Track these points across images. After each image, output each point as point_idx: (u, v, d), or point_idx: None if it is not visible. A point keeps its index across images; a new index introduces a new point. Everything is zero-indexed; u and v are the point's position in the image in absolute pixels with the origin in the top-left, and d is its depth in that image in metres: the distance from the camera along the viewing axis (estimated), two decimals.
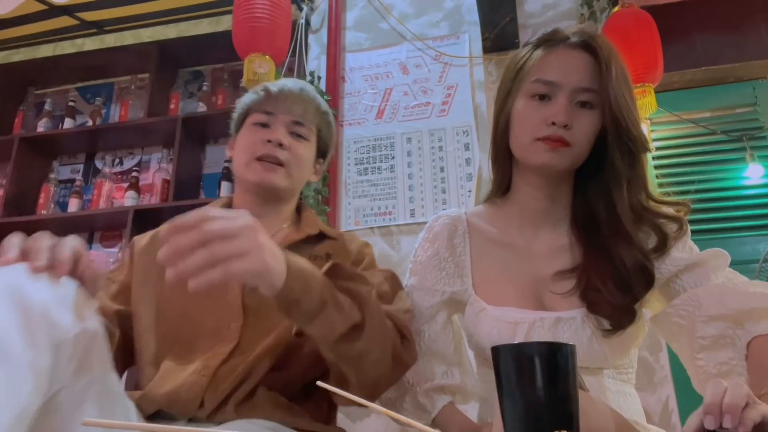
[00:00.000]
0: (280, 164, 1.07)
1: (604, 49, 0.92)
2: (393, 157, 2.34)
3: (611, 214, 0.92)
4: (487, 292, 0.97)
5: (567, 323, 0.89)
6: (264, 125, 1.09)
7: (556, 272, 0.94)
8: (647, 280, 0.89)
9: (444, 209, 2.15)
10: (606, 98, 0.90)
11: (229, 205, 1.15)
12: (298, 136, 1.11)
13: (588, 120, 0.92)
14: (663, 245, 0.90)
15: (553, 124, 0.90)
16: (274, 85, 1.12)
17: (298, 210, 1.18)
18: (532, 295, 0.94)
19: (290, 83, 1.13)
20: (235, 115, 1.18)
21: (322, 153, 1.20)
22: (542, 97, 0.94)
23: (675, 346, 0.91)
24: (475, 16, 2.37)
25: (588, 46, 0.94)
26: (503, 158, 1.03)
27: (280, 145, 1.07)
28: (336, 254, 1.07)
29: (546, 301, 0.93)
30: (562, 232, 0.99)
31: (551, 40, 0.97)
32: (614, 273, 0.88)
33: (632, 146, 0.91)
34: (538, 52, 0.97)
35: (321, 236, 1.09)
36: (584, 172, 0.97)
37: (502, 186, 1.06)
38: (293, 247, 1.02)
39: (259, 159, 1.06)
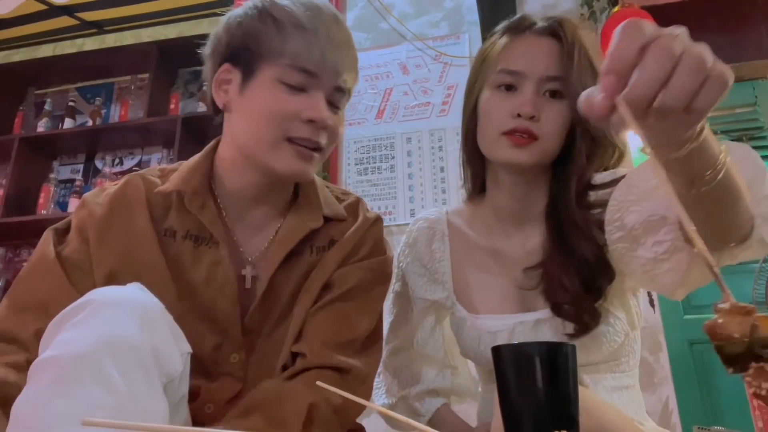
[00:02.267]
0: (318, 149, 0.81)
1: (568, 35, 0.87)
2: (393, 157, 2.34)
3: (567, 207, 0.87)
4: (469, 299, 0.95)
5: (547, 323, 0.86)
6: (299, 89, 0.79)
7: (524, 268, 0.89)
8: (607, 273, 0.83)
9: None
10: (574, 88, 0.83)
11: (207, 179, 0.86)
12: (336, 107, 0.84)
13: (557, 110, 0.85)
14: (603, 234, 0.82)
15: (519, 116, 0.84)
16: (305, 12, 0.78)
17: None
18: (513, 298, 0.91)
19: (328, 15, 0.80)
20: (231, 41, 0.82)
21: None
22: (508, 88, 0.88)
23: (628, 272, 0.80)
24: (475, 16, 2.37)
25: (554, 32, 0.88)
26: (474, 156, 0.96)
27: (324, 126, 0.80)
28: (341, 239, 0.88)
29: (527, 302, 0.90)
30: (540, 230, 0.92)
31: (517, 27, 0.91)
32: (576, 266, 0.84)
33: (596, 142, 0.85)
34: (503, 40, 0.91)
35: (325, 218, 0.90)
36: (562, 166, 0.90)
37: (476, 186, 1.00)
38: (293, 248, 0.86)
39: (292, 140, 0.79)
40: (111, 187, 0.85)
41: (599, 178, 0.88)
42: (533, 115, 0.84)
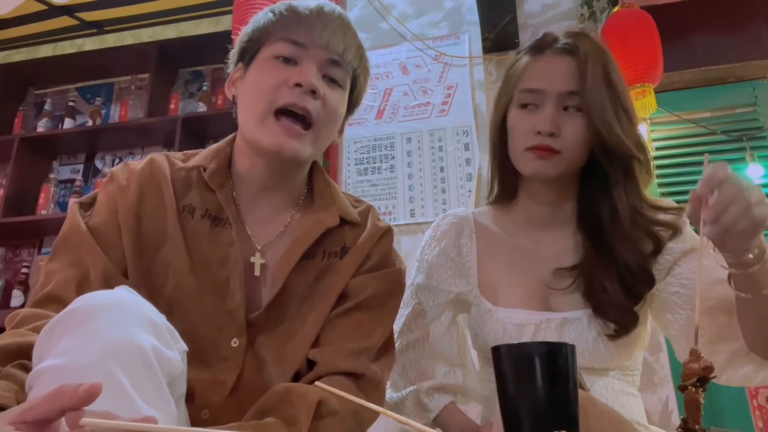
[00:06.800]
0: (308, 125, 0.81)
1: (583, 51, 0.91)
2: (393, 157, 2.34)
3: (613, 216, 0.92)
4: (494, 293, 0.97)
5: (573, 324, 0.89)
6: (289, 61, 0.82)
7: (555, 269, 0.94)
8: (648, 281, 0.89)
9: (444, 209, 2.15)
10: (587, 104, 0.89)
11: (227, 162, 0.89)
12: (332, 81, 0.85)
13: (577, 124, 0.90)
14: (658, 249, 0.91)
15: (539, 133, 0.90)
16: (305, 4, 0.84)
17: (310, 174, 0.94)
18: (539, 296, 0.94)
19: (325, 3, 0.85)
20: (241, 40, 0.88)
21: (350, 107, 0.95)
22: (530, 105, 0.93)
23: (666, 319, 0.90)
24: (475, 16, 2.37)
25: (571, 50, 0.93)
26: (505, 166, 1.01)
27: (313, 92, 0.80)
28: (353, 247, 0.88)
29: (552, 302, 0.93)
30: (568, 233, 0.98)
31: (538, 47, 0.96)
32: (617, 271, 0.89)
33: (615, 154, 0.90)
34: (525, 60, 0.96)
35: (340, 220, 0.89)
36: (589, 174, 0.97)
37: (509, 192, 1.05)
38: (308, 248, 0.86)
39: (280, 111, 0.80)
40: (136, 164, 0.89)
41: (657, 201, 0.96)
42: (552, 132, 0.89)
